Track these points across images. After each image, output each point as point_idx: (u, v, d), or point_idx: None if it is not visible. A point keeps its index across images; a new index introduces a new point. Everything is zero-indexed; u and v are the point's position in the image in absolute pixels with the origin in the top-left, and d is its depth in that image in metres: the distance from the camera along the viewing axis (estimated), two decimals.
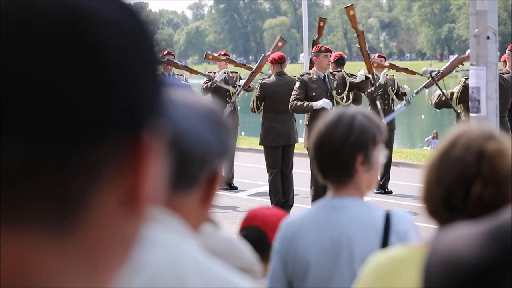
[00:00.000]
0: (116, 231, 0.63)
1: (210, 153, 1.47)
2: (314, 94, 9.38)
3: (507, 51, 9.67)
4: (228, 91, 11.77)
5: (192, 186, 1.47)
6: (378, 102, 10.82)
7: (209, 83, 11.64)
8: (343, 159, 2.58)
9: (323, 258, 2.63)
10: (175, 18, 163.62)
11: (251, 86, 11.26)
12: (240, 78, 12.05)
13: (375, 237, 2.58)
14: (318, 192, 9.27)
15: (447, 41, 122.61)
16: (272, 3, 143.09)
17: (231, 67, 12.17)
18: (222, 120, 1.51)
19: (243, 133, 20.39)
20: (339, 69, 10.13)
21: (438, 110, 9.52)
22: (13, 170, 0.58)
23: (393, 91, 11.58)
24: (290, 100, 9.37)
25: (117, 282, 0.65)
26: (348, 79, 9.71)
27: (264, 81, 10.12)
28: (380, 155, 2.64)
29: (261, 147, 10.55)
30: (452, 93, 8.98)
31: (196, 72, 11.94)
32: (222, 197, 10.93)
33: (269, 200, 10.08)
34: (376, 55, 12.22)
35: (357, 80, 9.79)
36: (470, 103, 6.34)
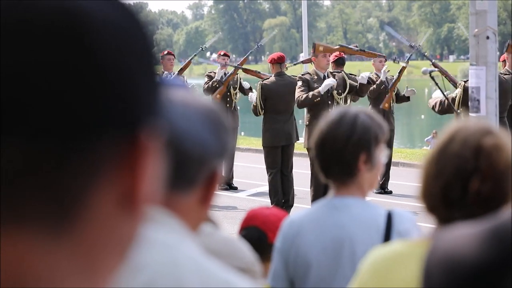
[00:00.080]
0: (114, 231, 0.63)
1: (209, 153, 1.47)
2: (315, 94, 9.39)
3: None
4: (229, 91, 11.77)
5: (191, 186, 1.47)
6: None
7: (210, 83, 11.64)
8: (346, 158, 2.58)
9: (325, 257, 2.64)
10: (175, 18, 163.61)
11: (249, 88, 11.29)
12: (240, 79, 12.06)
13: (377, 237, 2.58)
14: (318, 192, 9.27)
15: (447, 41, 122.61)
16: (271, 3, 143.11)
17: (231, 67, 12.17)
18: (221, 120, 1.51)
19: (242, 133, 20.40)
20: (339, 70, 10.14)
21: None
22: (13, 170, 0.58)
23: (393, 91, 11.58)
24: (296, 98, 9.36)
25: (115, 282, 0.65)
26: (349, 82, 9.72)
27: (264, 82, 10.11)
28: (382, 155, 2.64)
29: (261, 147, 10.56)
30: (453, 99, 8.98)
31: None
32: (222, 197, 10.93)
33: (269, 200, 10.08)
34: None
35: (360, 81, 9.81)
36: (470, 103, 6.34)
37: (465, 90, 8.11)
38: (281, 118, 9.99)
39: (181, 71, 11.76)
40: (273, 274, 2.74)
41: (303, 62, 12.97)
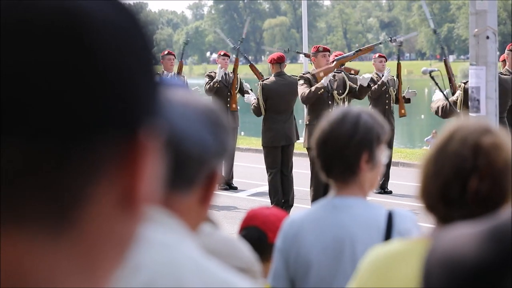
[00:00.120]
0: (113, 231, 0.63)
1: (208, 153, 1.47)
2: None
3: (506, 51, 9.66)
4: (230, 91, 11.78)
5: (190, 186, 1.47)
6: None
7: (211, 83, 11.65)
8: (348, 157, 2.58)
9: (325, 257, 2.64)
10: (175, 18, 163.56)
11: (247, 90, 11.29)
12: (240, 79, 12.07)
13: (378, 237, 2.58)
14: (318, 192, 9.27)
15: (447, 41, 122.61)
16: (271, 3, 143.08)
17: (231, 67, 12.18)
18: (220, 119, 1.51)
19: (242, 133, 20.39)
20: (339, 70, 10.14)
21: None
22: (13, 170, 0.58)
23: (394, 91, 11.59)
24: (300, 95, 9.36)
25: (115, 281, 0.65)
26: (348, 83, 9.74)
27: (264, 82, 10.10)
28: (383, 155, 2.65)
29: (261, 147, 10.56)
30: (455, 102, 8.97)
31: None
32: (222, 197, 10.94)
33: (269, 200, 10.08)
34: (377, 55, 12.22)
35: (360, 82, 9.82)
36: (469, 103, 6.34)
37: (466, 91, 8.10)
38: (281, 118, 9.99)
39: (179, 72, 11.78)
40: (274, 274, 2.75)
41: (305, 55, 12.98)
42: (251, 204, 10.31)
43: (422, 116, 36.54)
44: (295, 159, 10.51)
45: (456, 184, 1.90)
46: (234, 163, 12.11)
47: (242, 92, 11.76)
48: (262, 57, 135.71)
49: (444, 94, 9.00)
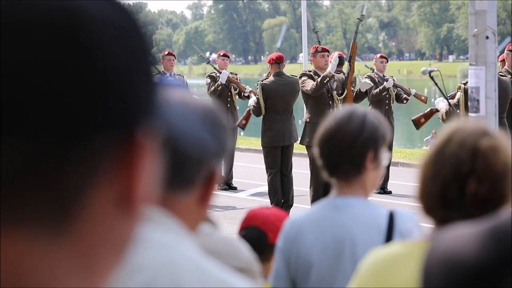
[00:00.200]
0: (111, 231, 0.63)
1: (207, 153, 1.47)
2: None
3: (505, 51, 9.66)
4: (230, 92, 11.80)
5: (189, 186, 1.47)
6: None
7: (216, 86, 11.65)
8: (355, 155, 2.58)
9: (326, 257, 2.64)
10: (174, 18, 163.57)
11: (249, 95, 11.31)
12: (240, 80, 12.09)
13: (379, 237, 2.58)
14: (317, 192, 9.27)
15: (446, 41, 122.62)
16: (271, 3, 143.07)
17: (230, 67, 12.19)
18: (219, 119, 1.51)
19: (242, 133, 20.39)
20: (338, 70, 10.15)
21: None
22: (13, 170, 0.58)
23: (394, 91, 11.60)
24: (310, 88, 9.34)
25: (114, 281, 0.65)
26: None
27: (264, 82, 10.10)
28: (384, 156, 2.66)
29: (260, 147, 10.56)
30: (456, 105, 8.96)
31: None
32: (222, 197, 10.94)
33: (269, 200, 10.08)
34: (378, 55, 12.23)
35: (360, 86, 9.86)
36: (469, 103, 6.34)
37: (466, 92, 8.10)
38: (281, 118, 9.99)
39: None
40: (275, 274, 2.75)
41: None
42: (251, 204, 10.31)
43: None
44: (294, 159, 10.51)
45: (454, 186, 1.90)
46: (234, 163, 12.11)
47: (240, 94, 11.77)
48: (262, 57, 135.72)
49: (444, 94, 9.00)
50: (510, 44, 9.66)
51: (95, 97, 0.59)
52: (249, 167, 13.92)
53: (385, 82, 11.40)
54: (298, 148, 11.64)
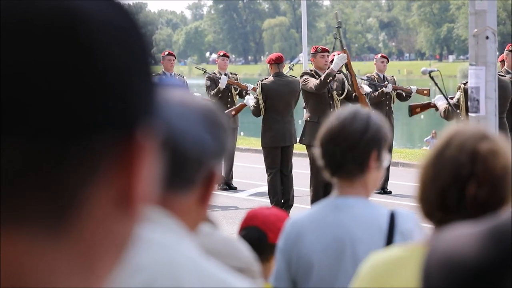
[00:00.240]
0: (110, 231, 0.63)
1: (206, 153, 1.47)
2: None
3: (505, 51, 9.66)
4: (230, 92, 11.80)
5: (189, 186, 1.48)
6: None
7: (217, 90, 11.65)
8: (359, 154, 2.59)
9: (327, 257, 2.64)
10: (174, 18, 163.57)
11: (249, 92, 11.32)
12: (239, 80, 12.10)
13: (379, 237, 2.58)
14: (317, 192, 9.27)
15: (446, 41, 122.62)
16: (271, 3, 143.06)
17: (230, 68, 12.18)
18: (219, 119, 1.51)
19: (242, 133, 20.40)
20: (338, 70, 10.16)
21: (437, 111, 9.54)
22: (13, 170, 0.58)
23: (394, 93, 11.60)
24: (314, 85, 9.34)
25: (113, 281, 0.65)
26: (347, 86, 9.76)
27: (264, 82, 10.11)
28: (386, 157, 2.67)
29: (260, 147, 10.56)
30: (456, 104, 8.96)
31: None
32: (222, 197, 10.94)
33: (269, 200, 10.08)
34: (379, 55, 12.23)
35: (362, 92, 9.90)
36: (469, 103, 6.34)
37: (466, 91, 8.10)
38: (281, 119, 9.99)
39: None
40: (276, 274, 2.75)
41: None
42: (251, 204, 10.31)
43: (422, 116, 36.55)
44: (294, 159, 10.51)
45: (454, 189, 1.90)
46: (234, 163, 12.11)
47: (241, 94, 11.78)
48: (262, 57, 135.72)
49: (444, 94, 9.00)
50: (510, 44, 9.66)
51: (95, 97, 0.60)
52: (249, 167, 13.93)
53: (383, 88, 11.39)
54: (298, 148, 11.64)
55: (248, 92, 11.53)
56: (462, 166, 1.90)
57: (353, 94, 9.85)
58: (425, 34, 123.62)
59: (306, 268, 2.67)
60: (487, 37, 6.13)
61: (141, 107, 0.63)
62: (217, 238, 2.38)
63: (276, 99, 9.92)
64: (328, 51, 9.89)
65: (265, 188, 10.62)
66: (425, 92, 11.69)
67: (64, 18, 0.59)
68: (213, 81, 11.82)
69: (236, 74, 12.44)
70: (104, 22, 0.61)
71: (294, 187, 10.19)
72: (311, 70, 9.75)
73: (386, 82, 11.52)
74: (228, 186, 11.99)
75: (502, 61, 9.68)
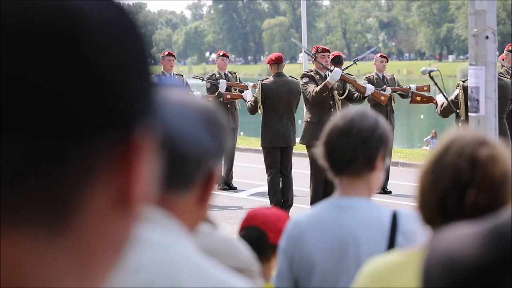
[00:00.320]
0: (108, 231, 0.63)
1: (206, 153, 1.47)
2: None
3: (505, 51, 9.67)
4: (230, 91, 11.81)
5: (188, 186, 1.47)
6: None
7: (217, 93, 11.66)
8: (370, 149, 2.59)
9: (329, 258, 2.63)
10: (174, 18, 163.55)
11: (249, 89, 11.33)
12: (239, 79, 12.11)
13: (382, 237, 2.58)
14: (317, 192, 9.28)
15: (446, 40, 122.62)
16: (271, 3, 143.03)
17: (230, 67, 12.19)
18: (218, 119, 1.51)
19: (242, 133, 20.41)
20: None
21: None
22: (13, 170, 0.58)
23: (393, 94, 11.61)
24: (308, 93, 9.37)
25: (113, 282, 0.65)
26: (348, 86, 9.78)
27: (264, 81, 10.12)
28: (387, 160, 2.68)
29: (260, 147, 10.56)
30: (453, 101, 8.96)
31: None
32: (222, 197, 10.94)
33: (269, 200, 10.08)
34: (378, 55, 12.23)
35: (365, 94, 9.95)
36: (469, 103, 6.34)
37: (465, 90, 8.10)
38: (281, 119, 10.00)
39: None
40: (278, 274, 2.74)
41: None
42: (251, 204, 10.31)
43: (422, 116, 36.56)
44: (294, 159, 10.51)
45: (453, 196, 1.89)
46: (234, 163, 12.11)
47: (242, 92, 11.79)
48: (262, 57, 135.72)
49: (443, 94, 9.00)
50: (510, 44, 9.66)
51: (95, 97, 0.60)
52: (249, 167, 13.93)
53: (382, 92, 11.38)
54: (298, 148, 11.64)
55: (248, 88, 11.53)
56: (462, 172, 1.89)
57: (354, 95, 9.85)
58: (425, 34, 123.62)
59: (308, 268, 2.66)
60: (487, 37, 6.13)
61: (139, 107, 0.63)
62: (217, 238, 2.39)
63: (276, 99, 9.93)
64: (329, 51, 9.90)
65: (265, 188, 10.62)
66: (425, 88, 11.68)
67: (64, 18, 0.59)
68: (214, 84, 11.83)
69: (235, 73, 12.44)
70: (103, 22, 0.61)
71: (294, 187, 10.20)
72: (311, 71, 9.75)
73: (385, 86, 11.50)
74: (228, 186, 11.99)
75: (502, 61, 9.68)
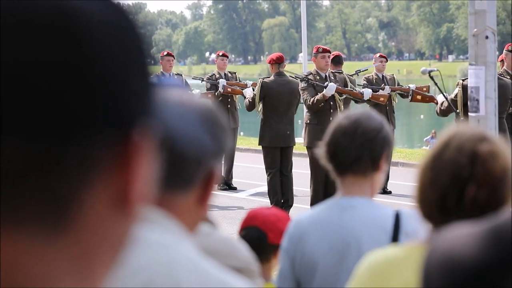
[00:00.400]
0: (107, 231, 0.63)
1: (205, 153, 1.47)
2: (318, 94, 9.42)
3: (504, 51, 9.66)
4: (231, 94, 11.83)
5: (188, 186, 1.47)
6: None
7: (217, 93, 11.67)
8: (376, 148, 2.59)
9: (331, 258, 2.63)
10: (174, 18, 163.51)
11: (249, 87, 11.35)
12: (238, 79, 12.13)
13: (384, 237, 2.57)
14: (317, 192, 9.28)
15: (446, 40, 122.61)
16: (270, 3, 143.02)
17: (230, 67, 12.20)
18: (218, 119, 1.51)
19: (242, 133, 20.41)
20: (339, 70, 10.19)
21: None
22: (13, 170, 0.58)
23: (394, 94, 11.61)
24: (305, 100, 9.40)
25: (113, 282, 0.66)
26: (350, 85, 9.79)
27: (264, 80, 10.12)
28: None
29: (260, 148, 10.56)
30: (453, 100, 8.96)
31: None
32: (222, 197, 10.94)
33: (269, 200, 10.08)
34: (378, 55, 12.23)
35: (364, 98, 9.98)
36: (469, 103, 6.34)
37: (464, 88, 8.10)
38: (281, 119, 10.00)
39: None
40: (280, 274, 2.74)
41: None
42: (251, 204, 10.31)
43: (422, 116, 36.57)
44: (294, 159, 10.51)
45: (453, 192, 1.89)
46: (234, 163, 12.11)
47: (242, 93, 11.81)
48: (262, 57, 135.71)
49: (443, 94, 9.00)
50: (510, 44, 9.65)
51: (94, 97, 0.60)
52: (249, 167, 13.93)
53: (380, 91, 11.37)
54: (298, 148, 11.64)
55: (248, 86, 11.54)
56: (462, 168, 1.89)
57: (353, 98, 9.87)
58: (425, 34, 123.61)
59: (310, 268, 2.66)
60: (486, 37, 6.13)
61: (139, 107, 0.63)
62: (216, 238, 2.39)
63: (276, 99, 9.93)
64: (329, 51, 9.90)
65: (265, 188, 10.62)
66: (425, 89, 11.69)
67: (63, 18, 0.59)
68: (214, 84, 11.84)
69: (235, 73, 12.44)
70: (103, 23, 0.61)
71: (294, 187, 10.19)
72: (309, 73, 9.73)
73: (383, 85, 11.50)
74: (228, 186, 11.99)
75: (502, 61, 9.68)
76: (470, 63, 6.31)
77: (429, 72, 9.04)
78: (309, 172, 9.50)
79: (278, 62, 10.06)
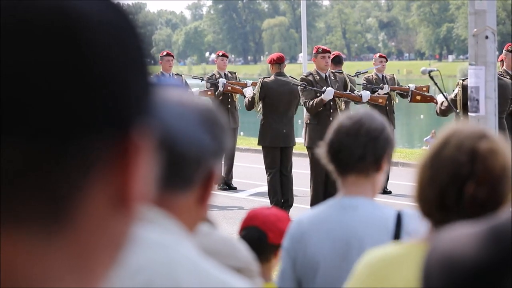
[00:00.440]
0: (106, 231, 0.63)
1: (205, 153, 1.47)
2: (318, 94, 9.42)
3: (504, 51, 9.66)
4: (231, 94, 11.83)
5: (188, 186, 1.48)
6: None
7: (217, 94, 11.68)
8: (379, 148, 2.59)
9: (332, 258, 2.63)
10: (174, 19, 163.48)
11: (249, 86, 11.35)
12: (238, 79, 12.13)
13: (386, 237, 2.57)
14: (317, 192, 9.28)
15: (446, 40, 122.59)
16: (270, 3, 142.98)
17: (230, 67, 12.21)
18: (217, 119, 1.51)
19: (242, 133, 20.41)
20: (339, 70, 10.19)
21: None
22: (13, 170, 0.58)
23: (393, 93, 11.61)
24: (304, 102, 9.41)
25: (113, 282, 0.66)
26: (350, 85, 9.79)
27: (264, 80, 10.13)
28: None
29: (260, 148, 10.57)
30: (453, 100, 8.96)
31: None
32: (222, 197, 10.94)
33: (269, 200, 10.08)
34: (377, 55, 12.23)
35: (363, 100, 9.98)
36: (469, 103, 6.34)
37: (464, 87, 8.10)
38: (281, 119, 10.01)
39: None
40: (281, 274, 2.74)
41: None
42: (251, 204, 10.31)
43: (422, 116, 36.56)
44: (294, 159, 10.51)
45: (452, 189, 1.89)
46: (234, 163, 12.12)
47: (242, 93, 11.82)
48: (262, 57, 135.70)
49: (443, 94, 9.00)
50: (509, 44, 9.65)
51: (94, 97, 0.60)
52: (249, 167, 13.93)
53: (379, 90, 11.37)
54: (298, 148, 11.64)
55: (248, 85, 11.55)
56: (461, 166, 1.89)
57: (355, 92, 9.86)
58: (425, 34, 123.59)
59: (312, 268, 2.66)
60: (486, 37, 6.13)
61: (138, 107, 0.63)
62: (216, 238, 2.39)
63: (276, 99, 9.94)
64: (329, 52, 9.90)
65: (265, 188, 10.62)
66: (424, 89, 11.69)
67: (63, 19, 0.59)
68: (214, 84, 11.84)
69: (235, 73, 12.45)
70: (103, 23, 0.61)
71: (294, 187, 10.19)
72: (309, 74, 9.72)
73: (382, 84, 11.50)
74: (228, 186, 12.00)
75: (502, 61, 9.67)
76: (470, 63, 6.31)
77: (429, 72, 9.03)
78: (309, 172, 9.50)
79: (278, 62, 10.07)
